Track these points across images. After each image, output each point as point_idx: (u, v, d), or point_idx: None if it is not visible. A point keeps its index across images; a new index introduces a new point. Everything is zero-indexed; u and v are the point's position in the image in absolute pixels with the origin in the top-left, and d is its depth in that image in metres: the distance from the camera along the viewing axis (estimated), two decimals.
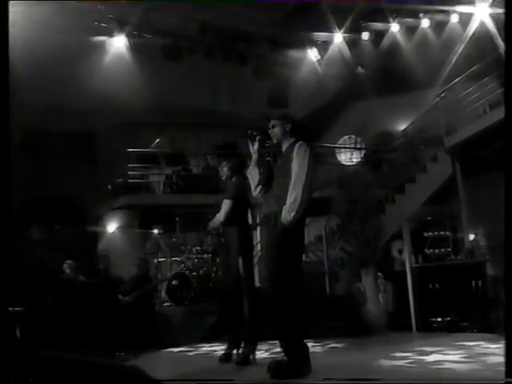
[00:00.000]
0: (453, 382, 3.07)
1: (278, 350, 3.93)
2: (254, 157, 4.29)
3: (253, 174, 4.28)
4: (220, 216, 5.05)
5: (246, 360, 4.73)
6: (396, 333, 7.59)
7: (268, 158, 4.45)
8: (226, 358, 4.98)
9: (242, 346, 4.90)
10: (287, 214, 3.86)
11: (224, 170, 5.36)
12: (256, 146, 4.28)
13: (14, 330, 5.59)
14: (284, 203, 3.91)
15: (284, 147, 4.22)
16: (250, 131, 4.32)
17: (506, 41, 2.87)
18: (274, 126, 4.23)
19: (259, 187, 4.24)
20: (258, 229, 9.53)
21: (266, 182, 4.22)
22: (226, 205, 5.03)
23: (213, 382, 3.33)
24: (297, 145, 4.08)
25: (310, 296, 4.05)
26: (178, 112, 12.51)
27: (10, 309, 5.37)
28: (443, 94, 10.75)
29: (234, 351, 4.99)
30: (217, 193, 8.20)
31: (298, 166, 3.97)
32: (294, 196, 3.88)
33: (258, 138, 4.28)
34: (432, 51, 12.14)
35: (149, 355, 6.10)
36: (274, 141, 4.27)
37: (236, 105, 13.42)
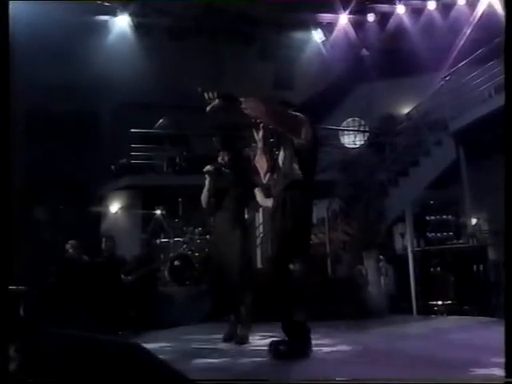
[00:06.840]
0: (452, 382, 3.08)
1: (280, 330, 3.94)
2: (260, 145, 4.21)
3: (260, 163, 4.22)
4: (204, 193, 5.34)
5: (245, 339, 4.78)
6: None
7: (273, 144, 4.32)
8: (229, 337, 5.01)
9: (241, 326, 4.94)
10: (296, 174, 3.87)
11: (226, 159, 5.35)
12: (261, 133, 4.16)
13: (17, 308, 5.63)
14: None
15: None
16: (252, 119, 4.12)
17: (505, 26, 2.83)
18: None
19: (268, 175, 4.19)
20: (261, 211, 9.56)
21: (274, 167, 4.17)
22: (207, 182, 5.29)
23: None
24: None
25: (312, 278, 4.06)
26: (182, 93, 12.42)
27: (14, 287, 5.41)
28: (448, 78, 10.68)
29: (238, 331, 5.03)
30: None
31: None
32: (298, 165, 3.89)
33: (261, 125, 4.13)
34: (438, 34, 12.02)
35: (150, 334, 6.15)
36: None
37: (241, 87, 13.33)
